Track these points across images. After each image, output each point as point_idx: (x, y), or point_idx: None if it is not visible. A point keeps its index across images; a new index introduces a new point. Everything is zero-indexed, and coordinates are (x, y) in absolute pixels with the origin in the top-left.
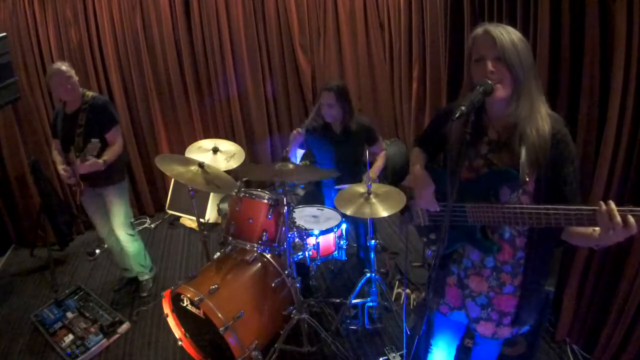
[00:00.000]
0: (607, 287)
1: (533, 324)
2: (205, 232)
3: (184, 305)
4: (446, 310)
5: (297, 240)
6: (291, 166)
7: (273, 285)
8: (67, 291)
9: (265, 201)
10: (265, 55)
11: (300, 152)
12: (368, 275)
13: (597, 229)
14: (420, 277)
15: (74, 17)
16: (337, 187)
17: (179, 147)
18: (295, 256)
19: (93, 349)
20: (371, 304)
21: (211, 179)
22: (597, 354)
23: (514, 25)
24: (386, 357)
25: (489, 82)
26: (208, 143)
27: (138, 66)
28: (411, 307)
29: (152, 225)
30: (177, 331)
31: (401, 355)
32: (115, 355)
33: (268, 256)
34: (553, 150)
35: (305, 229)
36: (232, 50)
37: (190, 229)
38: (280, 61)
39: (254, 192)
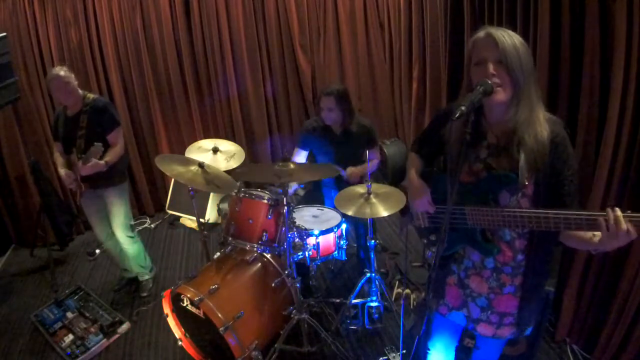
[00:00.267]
0: (607, 287)
1: (533, 324)
2: (205, 232)
3: (184, 305)
4: (445, 311)
5: (297, 240)
6: (292, 166)
7: (273, 285)
8: (67, 291)
9: (265, 201)
10: (265, 55)
11: (304, 154)
12: (368, 275)
13: (597, 233)
14: (420, 277)
15: (74, 17)
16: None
17: (179, 147)
18: (295, 256)
19: (93, 349)
20: (371, 304)
21: (211, 179)
22: (597, 354)
23: (514, 26)
24: (386, 357)
25: (489, 82)
26: (208, 143)
27: (138, 66)
28: (411, 307)
29: (152, 226)
30: (177, 331)
31: (401, 355)
32: (115, 355)
33: (268, 256)
34: (552, 154)
35: (305, 229)
36: (232, 50)
37: (190, 229)
38: (280, 61)
39: (254, 192)
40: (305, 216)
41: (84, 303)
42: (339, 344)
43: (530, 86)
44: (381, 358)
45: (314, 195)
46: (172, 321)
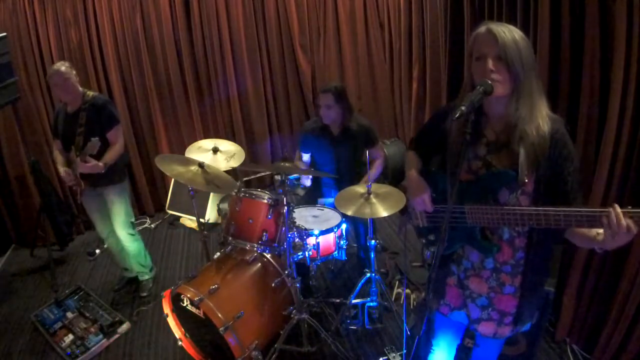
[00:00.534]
0: (607, 286)
1: (533, 323)
2: (205, 232)
3: (184, 305)
4: (446, 311)
5: (297, 240)
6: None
7: (273, 285)
8: (67, 291)
9: (265, 201)
10: (265, 55)
11: (307, 156)
12: (368, 275)
13: (600, 231)
14: (420, 277)
15: (74, 17)
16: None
17: (179, 147)
18: (295, 256)
19: (93, 349)
20: (371, 304)
21: (211, 179)
22: (597, 354)
23: (513, 25)
24: (386, 357)
25: (489, 82)
26: (208, 143)
27: (138, 66)
28: (411, 307)
29: (152, 225)
30: (177, 331)
31: (401, 355)
32: (115, 355)
33: (268, 256)
34: (552, 150)
35: (305, 229)
36: (232, 50)
37: (190, 229)
38: (280, 61)
39: (254, 192)
40: (305, 216)
41: (84, 303)
42: (339, 344)
43: (532, 80)
44: (381, 358)
45: (314, 195)
46: (172, 321)
